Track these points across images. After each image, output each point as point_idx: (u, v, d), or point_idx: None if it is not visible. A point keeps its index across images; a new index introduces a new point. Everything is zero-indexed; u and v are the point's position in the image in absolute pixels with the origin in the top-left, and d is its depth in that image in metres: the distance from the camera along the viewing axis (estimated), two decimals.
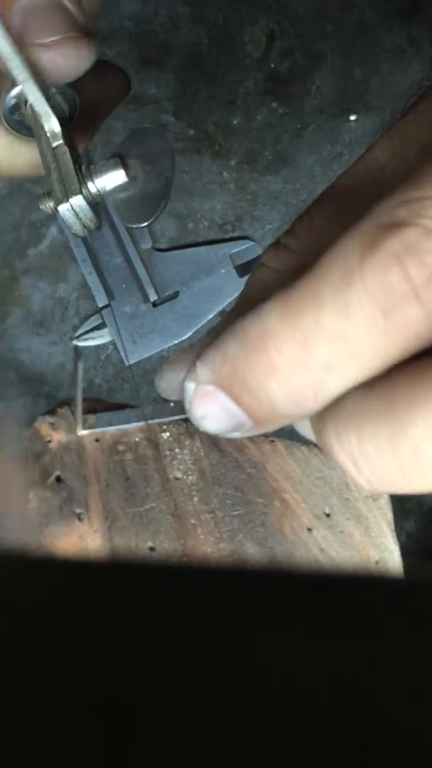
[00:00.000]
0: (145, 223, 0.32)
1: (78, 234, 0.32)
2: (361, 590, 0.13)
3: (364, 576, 0.14)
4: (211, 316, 0.77)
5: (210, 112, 0.77)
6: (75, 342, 0.76)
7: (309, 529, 0.42)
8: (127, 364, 0.75)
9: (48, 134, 0.31)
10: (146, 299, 0.75)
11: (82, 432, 0.41)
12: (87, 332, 0.76)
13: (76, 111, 0.33)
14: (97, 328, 0.76)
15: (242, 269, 0.77)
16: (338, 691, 0.11)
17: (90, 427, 0.41)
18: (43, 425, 0.42)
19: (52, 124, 0.30)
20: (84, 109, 0.34)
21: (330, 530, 0.42)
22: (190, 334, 0.76)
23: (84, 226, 0.32)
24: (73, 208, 0.31)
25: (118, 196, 0.32)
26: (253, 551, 0.41)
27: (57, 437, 0.41)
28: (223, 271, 0.77)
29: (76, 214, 0.31)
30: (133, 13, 0.75)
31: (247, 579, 0.13)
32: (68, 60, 0.29)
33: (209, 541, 0.40)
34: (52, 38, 0.29)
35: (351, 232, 0.21)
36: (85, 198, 0.31)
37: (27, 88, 0.29)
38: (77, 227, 0.32)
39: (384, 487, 0.22)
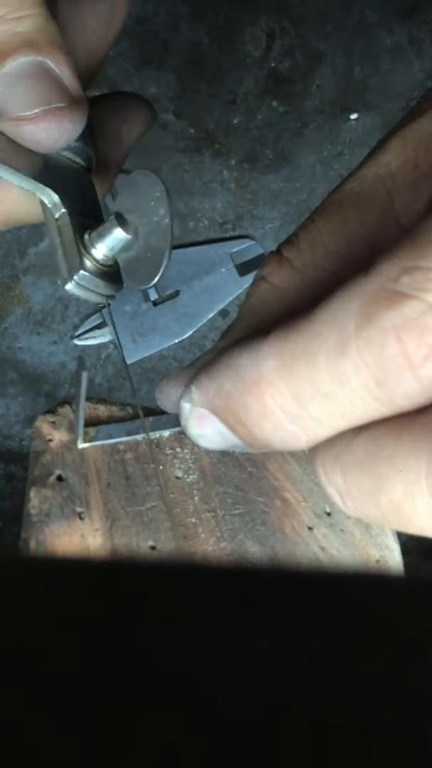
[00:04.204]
0: (153, 282, 0.30)
1: (100, 303, 0.31)
2: (361, 588, 0.13)
3: (365, 574, 0.14)
4: (211, 315, 0.77)
5: (210, 111, 0.77)
6: (75, 341, 0.76)
7: (310, 528, 0.42)
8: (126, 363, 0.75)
9: (49, 206, 0.29)
10: (147, 298, 0.76)
11: (83, 445, 0.41)
12: (87, 331, 0.76)
13: (93, 162, 0.32)
14: (98, 327, 0.76)
15: (243, 268, 0.77)
16: (338, 687, 0.11)
17: (90, 441, 0.41)
18: (44, 424, 0.42)
19: (49, 196, 0.29)
20: (104, 151, 0.32)
21: (331, 529, 0.42)
22: (190, 332, 0.76)
23: (101, 294, 0.30)
24: (78, 284, 0.29)
25: (124, 255, 0.30)
26: (253, 550, 0.41)
27: (58, 436, 0.42)
28: (223, 270, 0.77)
29: (86, 289, 0.29)
30: (134, 13, 0.75)
31: (247, 577, 0.13)
32: (50, 133, 0.27)
33: (210, 540, 0.40)
34: (32, 111, 0.27)
35: (350, 291, 0.20)
36: (90, 269, 0.29)
37: (4, 172, 0.27)
38: (93, 298, 0.30)
39: (369, 521, 0.23)
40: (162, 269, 0.30)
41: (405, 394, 0.20)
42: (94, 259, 0.29)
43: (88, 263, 0.29)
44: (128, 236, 0.29)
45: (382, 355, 0.19)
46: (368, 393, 0.20)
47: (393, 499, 0.20)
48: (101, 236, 0.29)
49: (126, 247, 0.30)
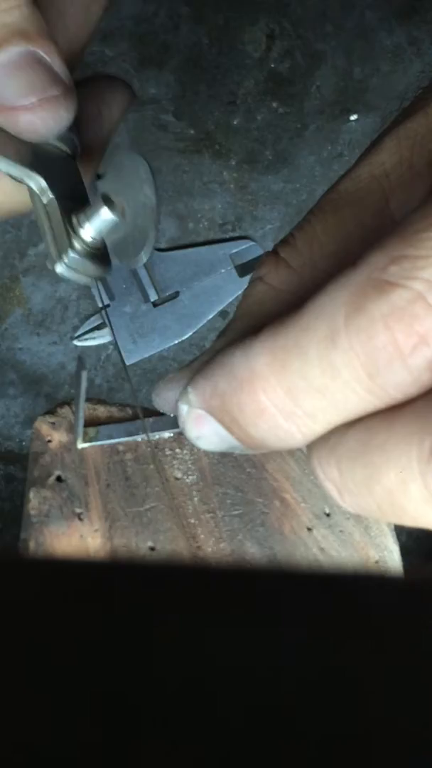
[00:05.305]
0: (140, 260, 0.31)
1: (88, 284, 0.31)
2: (360, 590, 0.13)
3: (364, 575, 0.14)
4: (211, 315, 0.77)
5: (210, 112, 0.77)
6: (75, 342, 0.76)
7: (309, 529, 0.42)
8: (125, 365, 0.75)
9: (36, 191, 0.30)
10: (146, 299, 0.76)
11: (83, 445, 0.41)
12: (87, 332, 0.76)
13: (77, 148, 0.32)
14: (98, 327, 0.76)
15: (242, 269, 0.77)
16: (338, 689, 0.11)
17: (90, 441, 0.41)
18: (44, 425, 0.42)
19: (37, 182, 0.30)
20: (87, 135, 0.33)
21: (330, 530, 0.42)
22: (190, 333, 0.76)
23: (89, 276, 0.31)
24: (68, 265, 0.30)
25: (112, 236, 0.31)
26: (253, 551, 0.41)
27: (57, 437, 0.41)
28: (223, 270, 0.77)
29: (75, 270, 0.30)
30: (134, 13, 0.75)
31: (247, 578, 0.13)
32: (46, 122, 0.28)
33: (209, 541, 0.40)
34: (29, 100, 0.27)
35: (339, 283, 0.20)
36: (79, 251, 0.30)
37: None
38: (83, 280, 0.31)
39: (367, 515, 0.23)
40: (149, 248, 0.31)
41: (396, 385, 0.20)
42: (83, 241, 0.30)
43: (77, 245, 0.30)
44: (115, 217, 0.30)
45: (372, 345, 0.19)
46: (360, 385, 0.20)
47: (387, 487, 0.20)
48: (89, 218, 0.30)
49: (113, 227, 0.30)
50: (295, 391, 0.21)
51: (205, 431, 0.23)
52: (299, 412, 0.21)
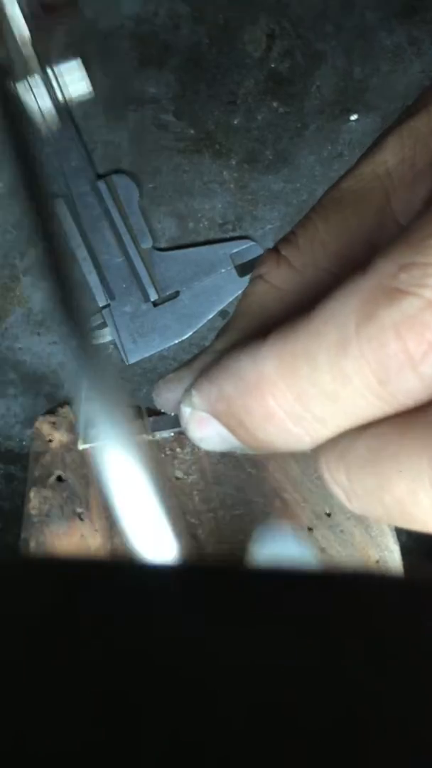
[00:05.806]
0: None
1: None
2: (360, 589, 0.13)
3: (364, 575, 0.14)
4: (211, 315, 0.77)
5: (210, 112, 0.77)
6: None
7: (309, 529, 0.42)
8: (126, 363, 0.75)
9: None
10: (146, 299, 0.76)
11: (84, 446, 0.41)
12: None
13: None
14: (98, 327, 0.76)
15: (242, 269, 0.77)
16: (338, 689, 0.11)
17: (91, 441, 0.41)
18: (44, 425, 0.42)
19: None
20: None
21: (330, 530, 0.42)
22: (190, 333, 0.76)
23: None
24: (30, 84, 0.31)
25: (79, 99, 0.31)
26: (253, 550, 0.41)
27: (58, 437, 0.42)
28: (223, 270, 0.77)
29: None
30: (134, 13, 0.75)
31: (247, 578, 0.13)
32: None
33: (210, 541, 0.40)
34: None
35: (349, 289, 0.20)
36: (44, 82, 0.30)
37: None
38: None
39: (375, 519, 0.23)
40: None
41: (407, 392, 0.20)
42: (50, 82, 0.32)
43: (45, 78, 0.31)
44: (89, 90, 0.31)
45: (383, 353, 0.19)
46: (370, 391, 0.20)
47: (396, 496, 0.21)
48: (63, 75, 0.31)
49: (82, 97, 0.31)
50: (304, 397, 0.21)
51: (208, 433, 0.23)
52: (309, 417, 0.21)
